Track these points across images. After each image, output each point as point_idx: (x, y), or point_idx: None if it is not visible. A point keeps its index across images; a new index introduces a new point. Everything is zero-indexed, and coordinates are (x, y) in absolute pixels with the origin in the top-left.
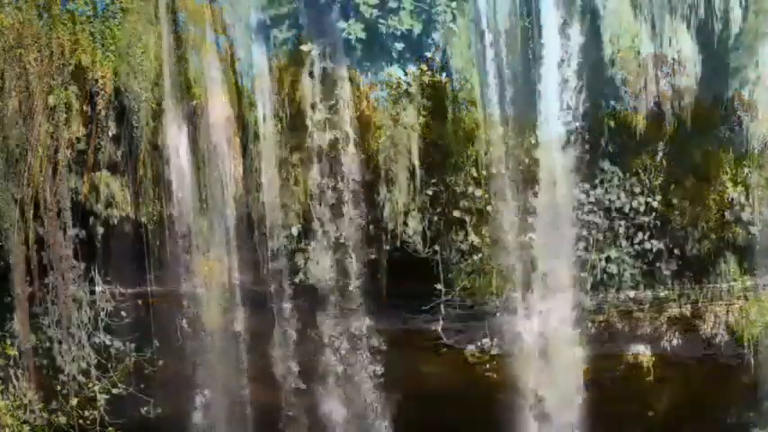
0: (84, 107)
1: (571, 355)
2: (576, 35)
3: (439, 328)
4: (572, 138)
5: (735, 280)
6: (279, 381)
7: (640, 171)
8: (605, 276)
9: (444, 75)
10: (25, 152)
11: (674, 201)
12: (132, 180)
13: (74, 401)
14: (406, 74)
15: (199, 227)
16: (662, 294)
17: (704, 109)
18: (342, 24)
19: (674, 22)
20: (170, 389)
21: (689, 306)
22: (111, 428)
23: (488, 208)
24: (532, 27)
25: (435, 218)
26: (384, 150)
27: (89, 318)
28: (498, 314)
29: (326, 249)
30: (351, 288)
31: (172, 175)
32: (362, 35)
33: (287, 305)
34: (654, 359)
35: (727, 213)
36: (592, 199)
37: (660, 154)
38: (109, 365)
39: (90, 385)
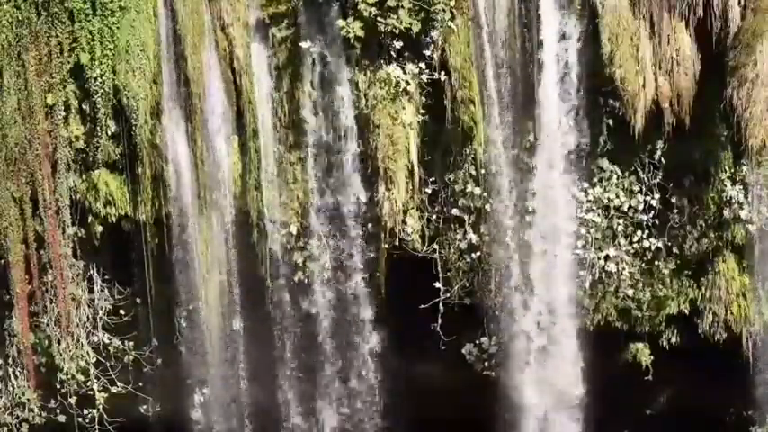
0: (83, 105)
1: (569, 354)
2: (575, 33)
3: (437, 327)
4: (570, 136)
5: (733, 278)
6: (278, 380)
7: (639, 169)
8: (604, 275)
9: (443, 73)
10: (24, 150)
11: (673, 199)
12: (131, 178)
13: (72, 400)
14: (404, 72)
15: (197, 225)
16: (660, 293)
17: (702, 107)
18: (340, 22)
19: (673, 21)
20: (168, 387)
21: (687, 305)
22: (110, 427)
23: (487, 206)
24: (531, 25)
25: (434, 216)
26: (382, 149)
27: (88, 316)
28: (497, 312)
29: (325, 248)
30: (349, 286)
31: (170, 173)
32: (361, 33)
33: (286, 303)
34: (653, 358)
35: (725, 212)
36: (590, 197)
37: (659, 152)
38: (108, 364)
39: (89, 384)
